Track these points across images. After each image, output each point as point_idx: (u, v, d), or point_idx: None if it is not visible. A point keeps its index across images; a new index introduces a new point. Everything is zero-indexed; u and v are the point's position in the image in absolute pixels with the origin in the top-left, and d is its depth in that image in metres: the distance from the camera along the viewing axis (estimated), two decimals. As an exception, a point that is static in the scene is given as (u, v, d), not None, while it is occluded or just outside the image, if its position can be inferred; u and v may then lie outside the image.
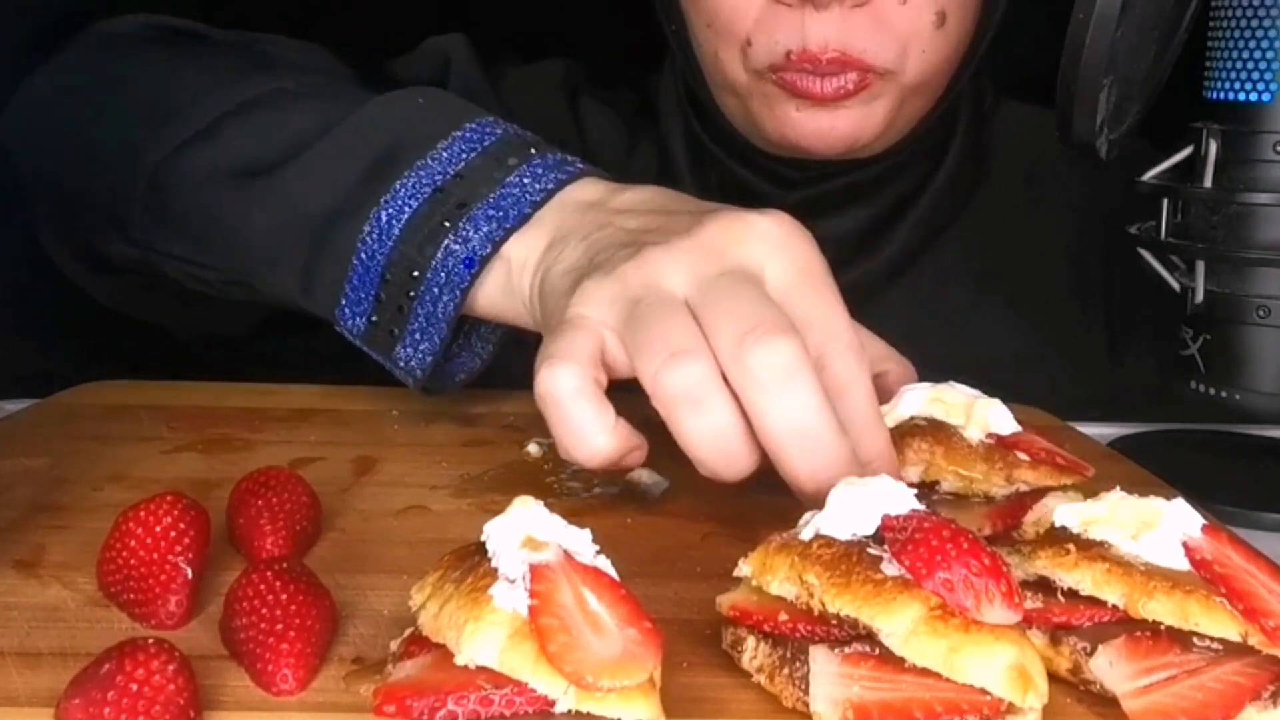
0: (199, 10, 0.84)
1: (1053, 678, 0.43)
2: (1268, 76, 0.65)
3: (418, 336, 0.64)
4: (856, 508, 0.43)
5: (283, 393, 0.79)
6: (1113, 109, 0.67)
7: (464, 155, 0.64)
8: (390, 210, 0.63)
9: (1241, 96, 0.66)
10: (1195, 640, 0.42)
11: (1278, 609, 0.42)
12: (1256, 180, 0.67)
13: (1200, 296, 0.68)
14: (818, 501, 0.46)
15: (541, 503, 0.43)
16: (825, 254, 0.88)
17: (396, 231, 0.62)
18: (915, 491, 0.45)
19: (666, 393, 0.51)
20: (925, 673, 0.39)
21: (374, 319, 0.64)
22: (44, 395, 0.79)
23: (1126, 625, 0.43)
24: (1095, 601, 0.44)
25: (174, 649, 0.39)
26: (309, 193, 0.66)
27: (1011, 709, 0.40)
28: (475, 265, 0.61)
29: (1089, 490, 0.50)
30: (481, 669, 0.38)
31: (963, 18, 0.79)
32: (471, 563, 0.42)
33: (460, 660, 0.38)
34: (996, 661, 0.39)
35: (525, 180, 0.63)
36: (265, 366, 0.84)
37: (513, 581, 0.40)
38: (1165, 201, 0.70)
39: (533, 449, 0.70)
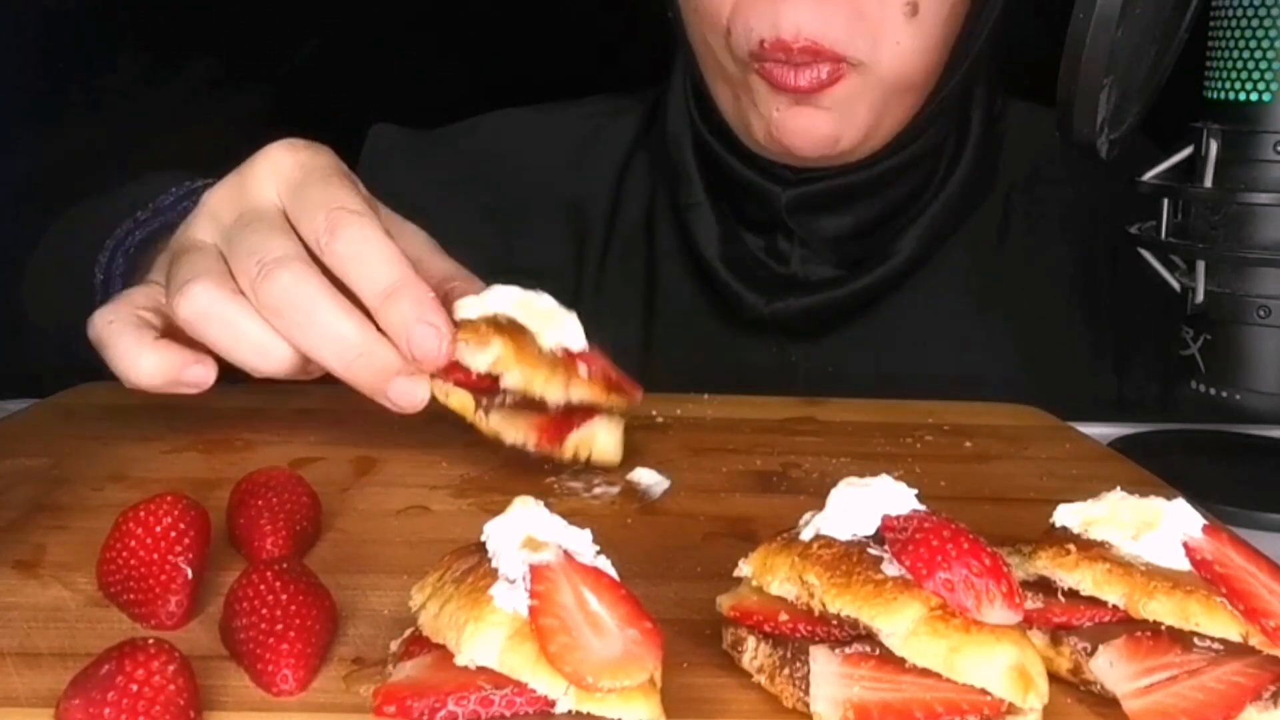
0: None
1: (1053, 678, 0.43)
2: (1268, 76, 0.65)
3: None
4: (857, 508, 0.43)
5: (283, 393, 0.78)
6: (1113, 109, 0.67)
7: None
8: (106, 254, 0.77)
9: (1241, 96, 0.66)
10: (1196, 640, 0.42)
11: (1278, 609, 0.42)
12: (1256, 180, 0.67)
13: (1200, 296, 0.68)
14: (391, 404, 0.59)
15: (541, 503, 0.43)
16: (828, 254, 0.89)
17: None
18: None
19: (181, 316, 0.59)
20: (925, 673, 0.39)
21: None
22: (44, 395, 0.79)
23: (1127, 625, 0.43)
24: (1096, 602, 0.44)
25: (174, 649, 0.39)
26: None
27: (1012, 709, 0.40)
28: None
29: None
30: (481, 669, 0.38)
31: (938, 11, 0.79)
32: (471, 563, 0.42)
33: (460, 661, 0.38)
34: (997, 662, 0.39)
35: (185, 205, 0.75)
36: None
37: (513, 582, 0.40)
38: (1165, 201, 0.70)
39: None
